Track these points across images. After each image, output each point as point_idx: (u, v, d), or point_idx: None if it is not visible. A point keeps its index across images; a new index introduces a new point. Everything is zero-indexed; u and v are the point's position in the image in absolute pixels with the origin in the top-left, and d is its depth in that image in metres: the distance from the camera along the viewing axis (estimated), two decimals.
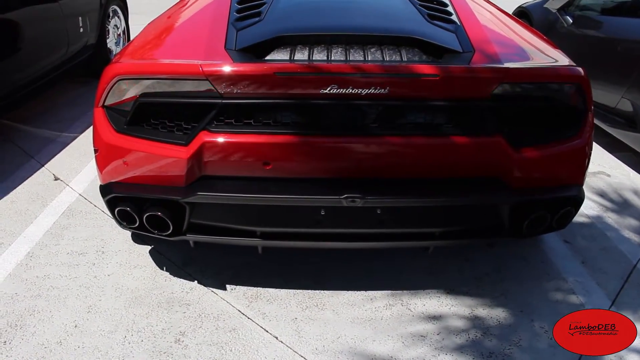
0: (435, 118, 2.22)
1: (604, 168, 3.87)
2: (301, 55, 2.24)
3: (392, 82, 2.10)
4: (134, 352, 2.20)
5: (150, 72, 2.20)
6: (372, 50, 2.28)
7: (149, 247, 2.82)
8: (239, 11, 2.60)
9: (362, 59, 2.24)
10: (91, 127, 2.40)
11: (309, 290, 2.55)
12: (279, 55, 2.24)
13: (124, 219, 2.32)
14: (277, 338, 2.29)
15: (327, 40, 2.31)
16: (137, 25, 4.84)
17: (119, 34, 5.72)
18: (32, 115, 4.50)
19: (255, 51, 2.25)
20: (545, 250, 2.90)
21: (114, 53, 5.47)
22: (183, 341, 2.26)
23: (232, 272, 2.65)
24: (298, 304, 2.47)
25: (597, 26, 4.43)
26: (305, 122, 2.19)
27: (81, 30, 4.74)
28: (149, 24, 2.94)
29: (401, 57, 2.26)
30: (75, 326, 2.32)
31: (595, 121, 3.81)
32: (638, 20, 3.93)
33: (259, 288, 2.56)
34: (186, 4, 3.14)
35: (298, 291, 2.55)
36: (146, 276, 2.63)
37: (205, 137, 2.15)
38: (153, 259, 2.75)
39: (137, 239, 2.88)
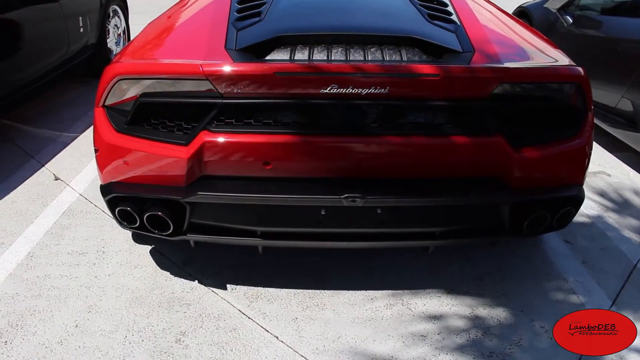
0: (435, 118, 2.22)
1: (604, 168, 3.87)
2: (301, 55, 2.24)
3: (392, 81, 2.10)
4: (135, 352, 2.20)
5: (151, 72, 2.20)
6: (372, 50, 2.28)
7: (150, 247, 2.82)
8: (239, 11, 2.61)
9: (362, 58, 2.24)
10: (91, 127, 2.40)
11: (310, 290, 2.55)
12: (279, 55, 2.25)
13: (124, 219, 2.32)
14: (277, 338, 2.29)
15: (327, 40, 2.32)
16: (137, 25, 4.85)
17: (119, 34, 5.72)
18: (32, 115, 4.50)
19: (255, 51, 2.25)
20: (546, 250, 2.90)
21: (114, 53, 5.47)
22: (184, 341, 2.26)
23: (232, 272, 2.65)
24: (298, 303, 2.48)
25: (597, 26, 4.43)
26: (306, 122, 2.19)
27: (81, 30, 4.74)
28: (149, 23, 2.94)
29: (401, 57, 2.26)
30: (76, 326, 2.32)
31: (596, 121, 3.81)
32: (638, 20, 3.94)
33: (259, 288, 2.56)
34: (186, 3, 3.14)
35: (298, 291, 2.55)
36: (147, 276, 2.63)
37: (205, 137, 2.15)
38: (154, 259, 2.75)
39: (138, 238, 2.88)
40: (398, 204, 2.25)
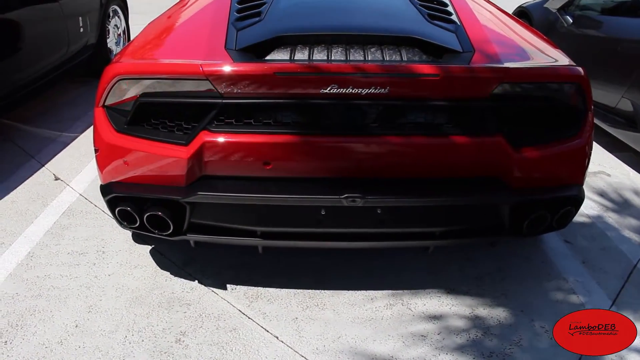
0: (435, 118, 2.22)
1: (604, 168, 3.87)
2: (301, 55, 2.24)
3: (392, 81, 2.10)
4: (135, 352, 2.20)
5: (151, 72, 2.20)
6: (372, 50, 2.28)
7: (150, 247, 2.82)
8: (239, 11, 2.61)
9: (362, 58, 2.24)
10: (91, 127, 2.40)
11: (310, 290, 2.55)
12: (279, 55, 2.25)
13: (124, 219, 2.32)
14: (277, 338, 2.29)
15: (327, 40, 2.32)
16: (137, 25, 4.85)
17: (119, 34, 5.72)
18: (32, 115, 4.50)
19: (255, 51, 2.25)
20: (546, 250, 2.90)
21: (114, 53, 5.47)
22: (184, 341, 2.26)
23: (232, 272, 2.65)
24: (298, 303, 2.48)
25: (597, 26, 4.43)
26: (306, 122, 2.19)
27: (81, 30, 4.74)
28: (149, 23, 2.94)
29: (401, 57, 2.26)
30: (76, 326, 2.32)
31: (596, 121, 3.81)
32: (638, 20, 3.93)
33: (259, 288, 2.56)
34: (186, 3, 3.14)
35: (298, 291, 2.55)
36: (147, 276, 2.63)
37: (205, 137, 2.15)
38: (154, 259, 2.75)
39: (138, 238, 2.88)
40: (398, 204, 2.25)
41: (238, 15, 2.56)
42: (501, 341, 2.30)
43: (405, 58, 2.26)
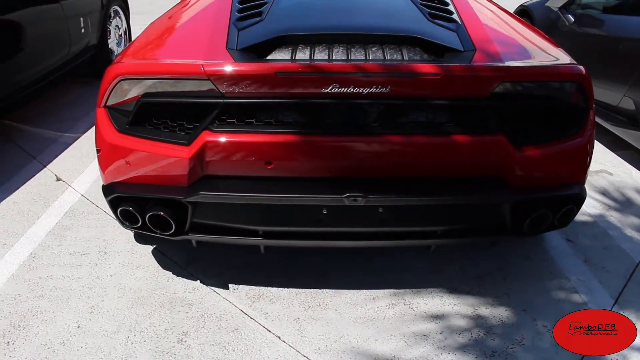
0: (436, 117, 2.22)
1: (606, 166, 3.86)
2: (302, 54, 2.24)
3: (394, 81, 2.10)
4: (137, 353, 2.20)
5: (152, 72, 2.20)
6: (373, 49, 2.28)
7: (151, 247, 2.83)
8: (240, 11, 2.61)
9: (363, 58, 2.24)
10: (93, 128, 2.40)
11: (312, 290, 2.55)
12: (281, 55, 2.25)
13: (126, 219, 2.32)
14: (279, 338, 2.29)
15: (328, 39, 2.32)
16: (138, 25, 4.85)
17: (121, 35, 5.73)
18: (33, 116, 4.51)
19: (256, 51, 2.25)
20: (548, 248, 2.90)
21: (115, 53, 5.48)
22: (186, 341, 2.26)
23: (234, 272, 2.65)
24: (300, 303, 2.48)
25: (599, 24, 4.42)
26: (307, 122, 2.19)
27: (82, 30, 4.75)
28: (150, 24, 2.94)
29: (402, 56, 2.26)
30: (78, 327, 2.32)
31: (598, 119, 3.81)
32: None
33: (261, 288, 2.56)
34: (187, 4, 3.14)
35: (300, 291, 2.55)
36: (149, 276, 2.63)
37: (207, 136, 2.15)
38: (155, 259, 2.75)
39: (140, 239, 2.88)
40: (399, 203, 2.25)
41: (239, 15, 2.56)
42: (503, 340, 2.29)
43: (406, 57, 2.26)
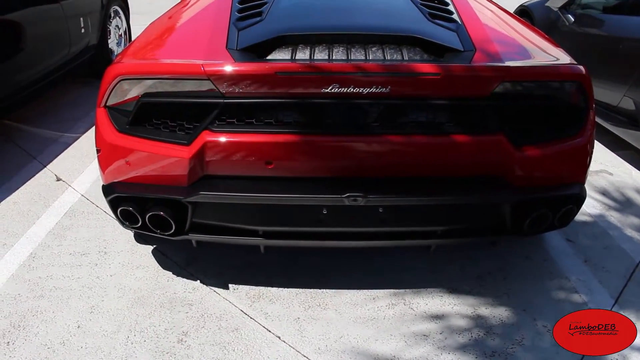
0: (436, 117, 2.22)
1: (606, 166, 3.86)
2: (302, 54, 2.24)
3: (394, 81, 2.10)
4: (137, 353, 2.20)
5: (152, 72, 2.20)
6: (373, 49, 2.28)
7: (152, 248, 2.83)
8: (240, 11, 2.61)
9: (363, 58, 2.24)
10: (93, 128, 2.40)
11: (312, 290, 2.55)
12: (281, 55, 2.25)
13: (126, 219, 2.32)
14: (279, 338, 2.29)
15: (328, 39, 2.31)
16: (138, 25, 4.85)
17: (120, 35, 5.73)
18: (33, 116, 4.51)
19: (256, 51, 2.25)
20: (548, 248, 2.90)
21: (115, 54, 5.48)
22: (186, 341, 2.26)
23: (234, 272, 2.65)
24: (300, 303, 2.48)
25: (599, 24, 4.42)
26: (307, 122, 2.19)
27: (82, 31, 4.75)
28: (150, 24, 2.94)
29: (402, 56, 2.26)
30: (78, 327, 2.32)
31: (598, 119, 3.81)
32: None
33: (261, 288, 2.56)
34: (187, 4, 3.14)
35: (300, 291, 2.55)
36: (149, 276, 2.63)
37: (207, 136, 2.15)
38: (155, 259, 2.75)
39: (140, 239, 2.88)
40: (399, 203, 2.25)
41: (239, 15, 2.56)
42: (503, 340, 2.29)
43: (406, 57, 2.26)
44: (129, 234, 2.91)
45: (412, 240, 2.42)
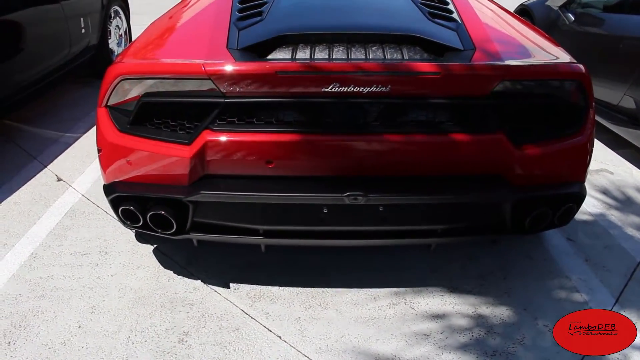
0: (436, 116, 2.22)
1: (606, 165, 3.86)
2: (303, 54, 2.24)
3: (394, 80, 2.10)
4: (138, 353, 2.20)
5: (153, 71, 2.20)
6: (373, 48, 2.28)
7: (152, 247, 2.83)
8: (240, 11, 2.61)
9: (363, 57, 2.24)
10: (94, 128, 2.40)
11: (312, 289, 2.55)
12: (281, 55, 2.25)
13: (127, 218, 2.32)
14: (280, 337, 2.29)
15: (329, 39, 2.32)
16: (138, 25, 4.86)
17: (121, 35, 5.73)
18: (34, 116, 4.51)
19: (257, 50, 2.26)
20: (549, 248, 2.90)
21: (115, 54, 5.48)
22: (186, 341, 2.26)
23: (235, 272, 2.65)
24: (301, 303, 2.48)
25: (599, 23, 4.42)
26: (308, 121, 2.19)
27: (83, 31, 4.75)
28: (150, 24, 2.94)
29: (402, 55, 2.26)
30: (79, 327, 2.33)
31: (598, 118, 3.81)
32: None
33: (262, 287, 2.56)
34: (188, 4, 3.14)
35: (301, 290, 2.55)
36: (149, 276, 2.63)
37: (208, 136, 2.15)
38: (156, 259, 2.75)
39: (140, 238, 2.89)
40: (400, 201, 2.25)
41: (239, 14, 2.56)
42: (504, 340, 2.29)
43: (406, 56, 2.26)
44: (130, 233, 2.91)
45: (413, 239, 2.42)
